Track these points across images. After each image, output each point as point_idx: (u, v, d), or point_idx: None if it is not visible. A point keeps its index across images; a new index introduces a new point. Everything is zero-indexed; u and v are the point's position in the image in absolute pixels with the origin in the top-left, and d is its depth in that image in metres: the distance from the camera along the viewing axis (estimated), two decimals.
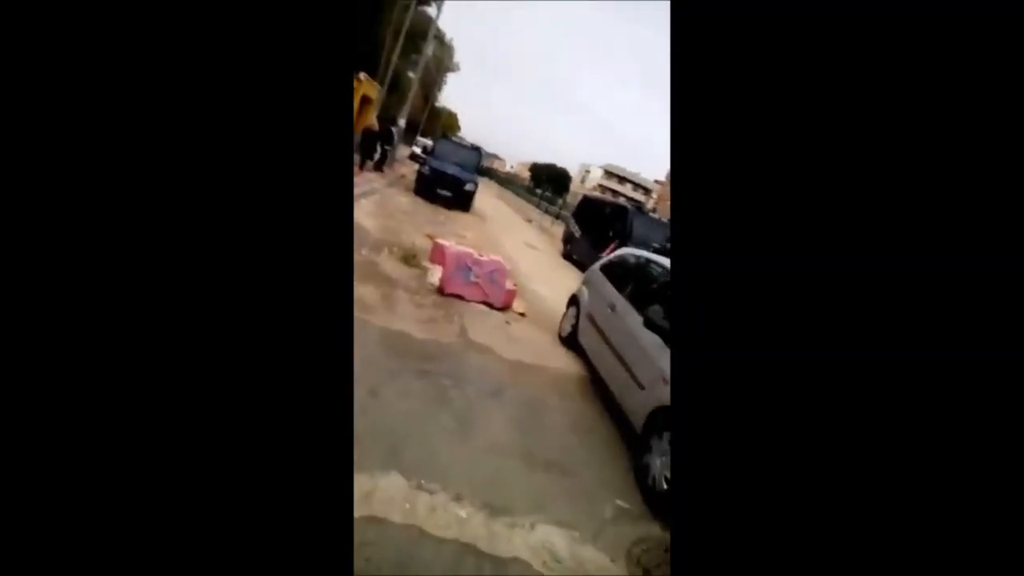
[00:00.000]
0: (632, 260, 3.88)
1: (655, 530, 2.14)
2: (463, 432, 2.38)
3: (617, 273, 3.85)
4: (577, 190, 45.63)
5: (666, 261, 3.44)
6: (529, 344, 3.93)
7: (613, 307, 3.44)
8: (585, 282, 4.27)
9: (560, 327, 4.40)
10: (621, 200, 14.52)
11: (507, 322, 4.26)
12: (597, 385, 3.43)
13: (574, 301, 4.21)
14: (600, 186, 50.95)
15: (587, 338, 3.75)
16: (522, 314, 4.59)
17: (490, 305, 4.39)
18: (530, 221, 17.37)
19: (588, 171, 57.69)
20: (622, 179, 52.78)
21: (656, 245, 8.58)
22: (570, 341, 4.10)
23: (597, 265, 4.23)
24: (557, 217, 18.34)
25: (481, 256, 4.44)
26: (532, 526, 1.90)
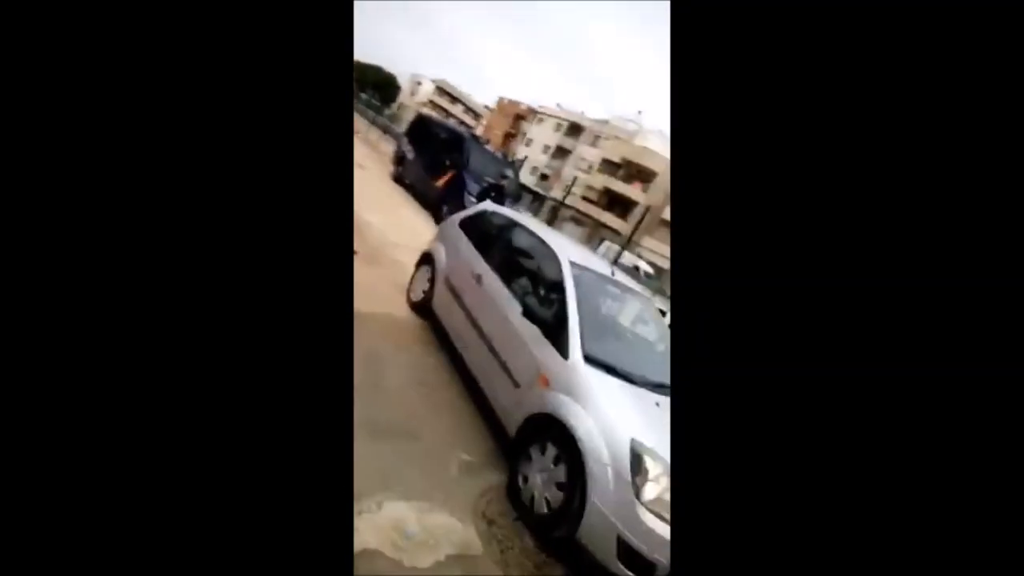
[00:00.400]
0: (498, 221, 3.42)
1: (496, 478, 2.25)
2: None
3: (480, 234, 3.36)
4: (406, 103, 41.93)
5: (535, 226, 3.17)
6: (360, 288, 3.49)
7: (479, 278, 2.95)
8: (440, 238, 3.66)
9: (410, 289, 3.69)
10: (452, 122, 13.86)
11: None
12: (439, 337, 3.25)
13: (427, 260, 3.56)
14: (431, 102, 47.84)
15: (446, 310, 3.19)
16: (354, 251, 4.02)
17: None
18: (356, 132, 15.22)
19: (419, 84, 53.15)
20: (454, 99, 50.53)
21: (490, 179, 8.58)
22: (422, 308, 3.46)
23: (455, 219, 3.69)
24: (385, 131, 16.54)
25: None
26: (379, 506, 1.73)
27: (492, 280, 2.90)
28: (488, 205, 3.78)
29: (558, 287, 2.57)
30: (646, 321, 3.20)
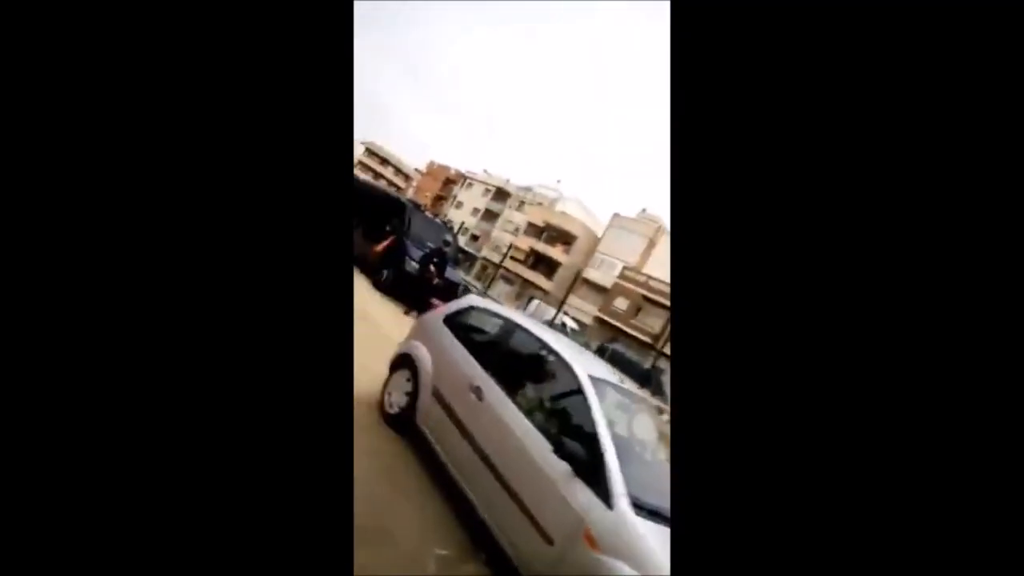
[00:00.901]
0: (491, 319, 2.93)
1: (472, 570, 2.15)
2: None
3: (471, 333, 2.87)
4: None
5: (534, 327, 2.72)
6: None
7: (478, 392, 2.40)
8: (420, 335, 3.02)
9: (383, 400, 2.97)
10: (387, 188, 14.04)
11: None
12: (425, 459, 2.62)
13: (405, 362, 2.91)
14: (361, 163, 48.05)
15: (436, 430, 2.55)
16: None
17: None
18: None
19: None
20: (384, 160, 51.24)
21: (431, 245, 8.72)
22: (401, 424, 2.77)
23: (437, 314, 3.12)
24: None
25: None
26: None
27: (496, 395, 2.35)
28: (475, 300, 3.30)
29: (579, 407, 2.13)
30: (658, 433, 2.59)
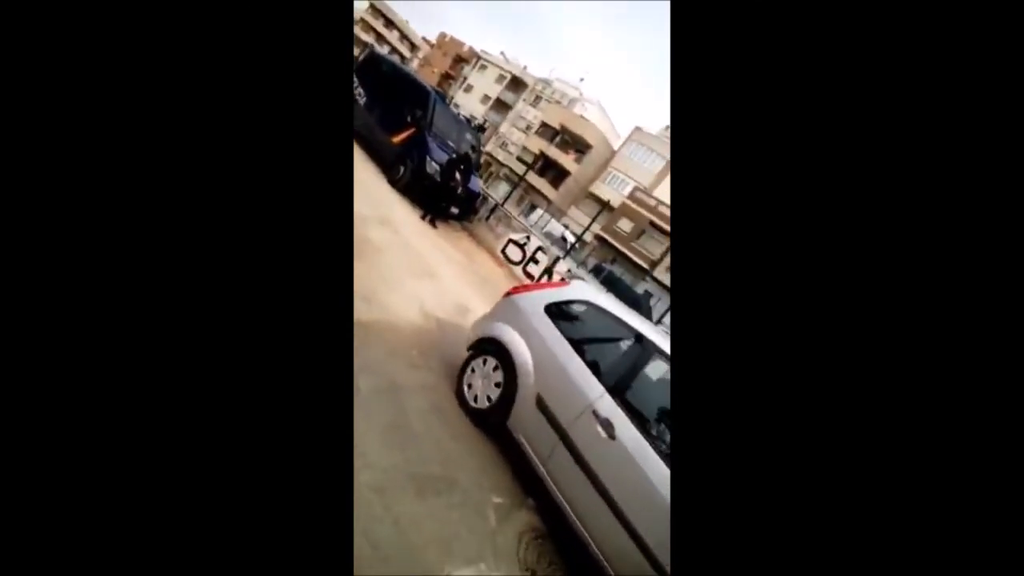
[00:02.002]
0: (613, 324, 2.38)
1: (526, 517, 2.30)
2: None
3: (585, 341, 2.40)
4: None
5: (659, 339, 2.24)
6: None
7: (608, 428, 2.03)
8: (510, 318, 2.60)
9: (461, 385, 2.67)
10: (413, 70, 12.45)
11: None
12: (520, 473, 2.43)
13: (493, 350, 2.55)
14: (363, 20, 42.19)
15: (538, 443, 2.26)
16: None
17: None
18: None
19: None
20: (390, 22, 45.11)
21: (452, 143, 7.99)
22: (486, 421, 2.50)
23: (533, 299, 2.62)
24: None
25: None
26: None
27: (631, 436, 1.97)
28: (585, 292, 2.62)
29: None
30: None
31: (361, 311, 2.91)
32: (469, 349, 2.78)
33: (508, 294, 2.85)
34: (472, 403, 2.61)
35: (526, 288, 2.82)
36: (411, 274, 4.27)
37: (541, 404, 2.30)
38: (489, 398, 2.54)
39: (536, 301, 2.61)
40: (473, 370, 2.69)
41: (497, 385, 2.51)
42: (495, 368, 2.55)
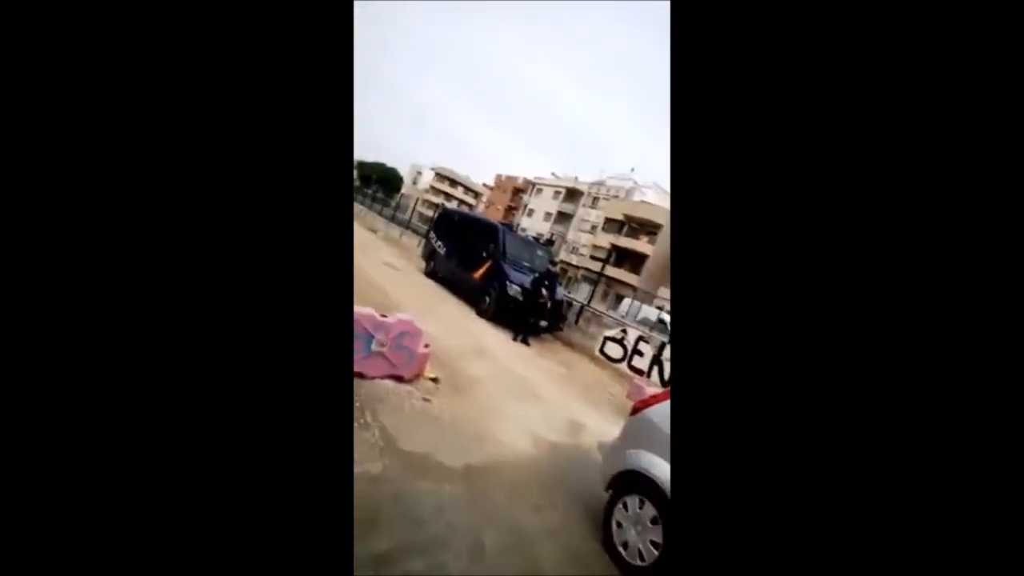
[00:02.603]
0: None
1: None
2: None
3: None
4: (408, 192, 44.21)
5: None
6: (459, 432, 3.10)
7: None
8: (650, 442, 2.20)
9: (612, 530, 2.24)
10: (479, 212, 14.15)
11: (425, 399, 3.32)
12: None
13: (642, 487, 2.14)
14: (432, 187, 50.40)
15: None
16: (434, 379, 3.70)
17: (398, 378, 3.31)
18: (375, 231, 15.66)
19: (420, 172, 56.43)
20: (453, 182, 53.35)
21: (526, 264, 8.51)
22: None
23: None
24: (407, 227, 16.94)
25: (384, 317, 3.27)
26: None
27: None
28: None
29: None
30: None
31: (473, 453, 2.82)
32: (608, 488, 2.34)
33: (636, 410, 2.44)
34: (636, 560, 2.09)
35: (654, 398, 2.41)
36: (515, 398, 4.18)
37: None
38: (650, 557, 2.04)
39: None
40: (620, 524, 2.21)
41: (654, 522, 2.07)
42: (648, 511, 2.11)
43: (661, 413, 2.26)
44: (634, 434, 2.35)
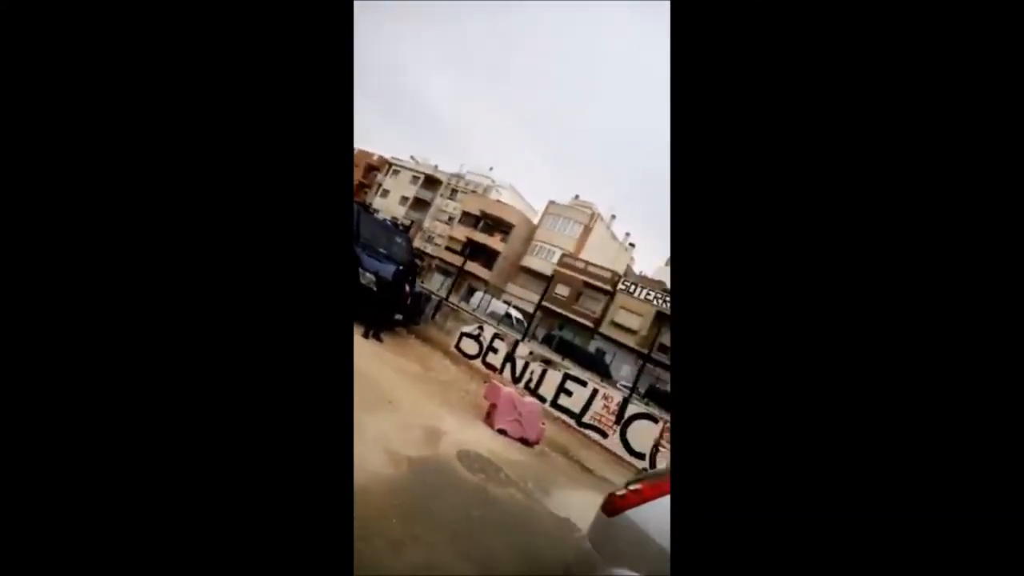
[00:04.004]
0: None
1: None
2: None
3: None
4: None
5: None
6: None
7: None
8: (638, 558, 1.49)
9: None
10: None
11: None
12: None
13: None
14: None
15: None
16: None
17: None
18: None
19: None
20: None
21: (383, 251, 7.72)
22: None
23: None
24: None
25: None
26: None
27: None
28: None
29: None
30: None
31: None
32: None
33: (613, 507, 1.67)
34: None
35: (652, 490, 1.61)
36: (367, 409, 3.65)
37: None
38: None
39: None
40: None
41: None
42: None
43: (653, 512, 1.52)
44: (609, 541, 1.63)
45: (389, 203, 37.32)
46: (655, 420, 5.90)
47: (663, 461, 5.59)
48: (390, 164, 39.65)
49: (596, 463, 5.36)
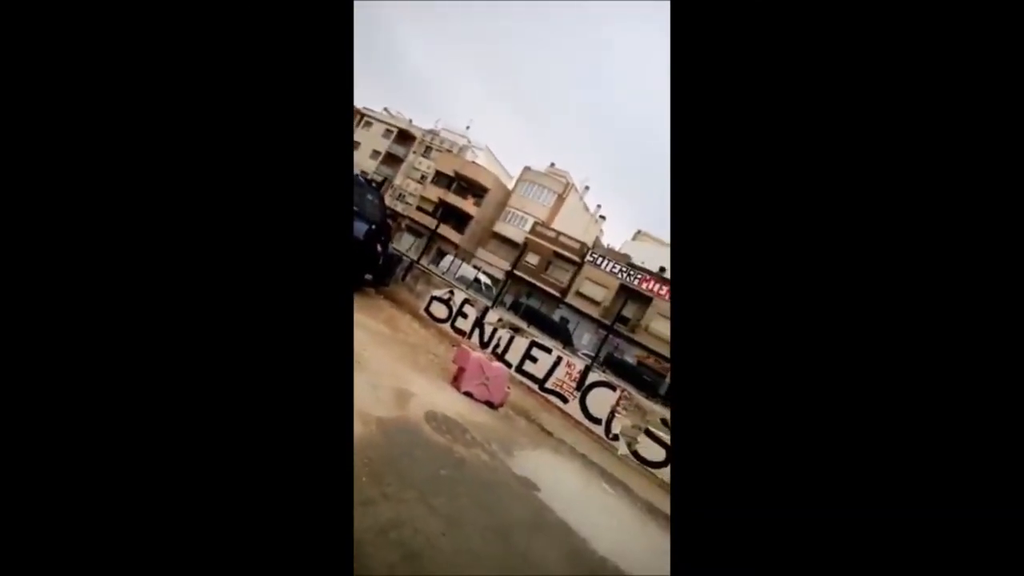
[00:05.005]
0: None
1: None
2: None
3: None
4: None
5: None
6: None
7: None
8: None
9: None
10: None
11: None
12: None
13: None
14: None
15: None
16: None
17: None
18: None
19: None
20: None
21: (355, 208, 7.44)
22: None
23: None
24: None
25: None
26: None
27: None
28: None
29: None
30: None
31: None
32: None
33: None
34: None
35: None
36: None
37: None
38: None
39: None
40: None
41: None
42: None
43: None
44: None
45: (359, 156, 35.59)
46: (613, 388, 6.24)
47: (617, 426, 5.98)
48: (362, 115, 37.51)
49: (555, 426, 5.65)
